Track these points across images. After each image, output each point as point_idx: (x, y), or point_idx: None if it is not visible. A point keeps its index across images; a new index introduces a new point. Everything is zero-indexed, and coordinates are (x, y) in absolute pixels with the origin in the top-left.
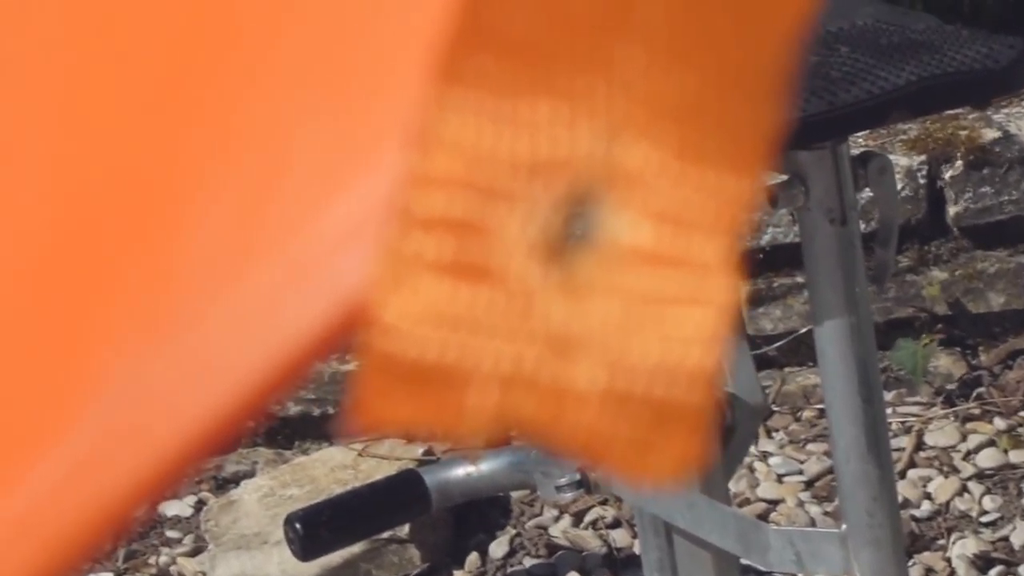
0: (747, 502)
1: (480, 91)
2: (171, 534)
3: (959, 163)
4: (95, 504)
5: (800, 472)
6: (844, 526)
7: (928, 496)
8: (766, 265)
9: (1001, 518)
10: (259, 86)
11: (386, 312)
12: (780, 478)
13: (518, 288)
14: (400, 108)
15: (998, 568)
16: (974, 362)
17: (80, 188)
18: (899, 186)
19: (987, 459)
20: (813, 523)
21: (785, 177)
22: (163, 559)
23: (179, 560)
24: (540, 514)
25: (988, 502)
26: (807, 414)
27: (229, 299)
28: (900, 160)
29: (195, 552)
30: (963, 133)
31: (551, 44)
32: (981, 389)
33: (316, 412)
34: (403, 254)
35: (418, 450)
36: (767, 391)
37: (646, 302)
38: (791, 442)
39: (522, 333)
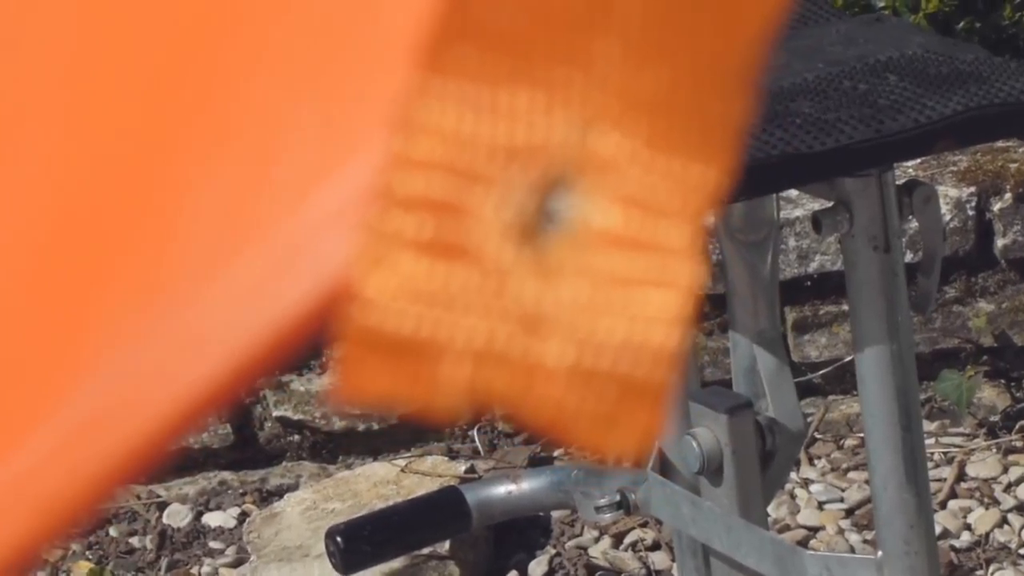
0: (787, 528)
1: (462, 80)
2: (214, 544)
3: (1008, 195)
4: (87, 471)
5: (841, 500)
6: (880, 553)
7: (968, 527)
8: (813, 292)
9: None
10: (254, 76)
11: (367, 287)
12: (821, 505)
13: (492, 267)
14: (386, 95)
15: None
16: (1018, 395)
17: (83, 171)
18: (948, 217)
19: None
20: (853, 551)
21: (830, 203)
22: (205, 569)
23: (221, 571)
24: (580, 535)
25: None
26: (850, 442)
27: (223, 277)
28: (949, 191)
29: (237, 563)
30: (1013, 166)
31: (532, 36)
32: None
33: (361, 427)
34: (384, 232)
35: (460, 467)
36: (810, 418)
37: (614, 283)
38: (833, 470)
39: (495, 310)
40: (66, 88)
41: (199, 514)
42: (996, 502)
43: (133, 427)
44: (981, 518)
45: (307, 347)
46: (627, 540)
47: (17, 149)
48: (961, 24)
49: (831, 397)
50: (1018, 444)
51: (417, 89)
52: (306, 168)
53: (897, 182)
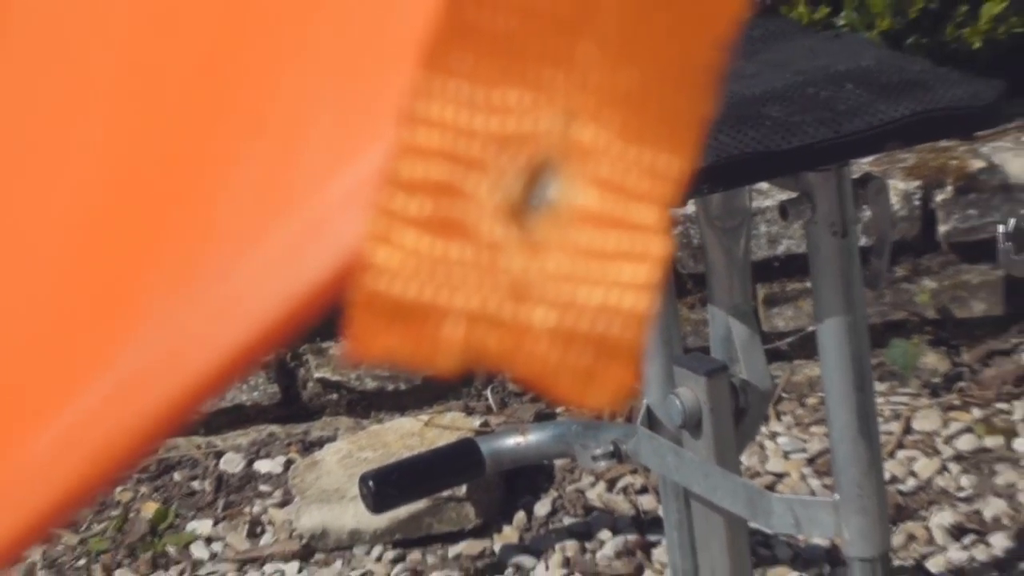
0: (757, 475)
1: (460, 79)
2: (263, 488)
3: (949, 188)
4: (133, 422)
5: (803, 450)
6: (837, 496)
7: (913, 474)
8: (781, 272)
9: (975, 494)
10: (282, 76)
11: (376, 259)
12: (786, 455)
13: (486, 242)
14: (394, 93)
15: (970, 536)
16: (957, 360)
17: (133, 154)
18: (896, 207)
19: (965, 443)
20: (813, 494)
21: (796, 195)
22: (256, 509)
23: (270, 511)
24: (579, 480)
25: (964, 480)
26: (811, 401)
27: (255, 250)
28: (898, 184)
29: (283, 504)
30: (954, 163)
31: (522, 42)
32: (962, 383)
33: (390, 387)
34: (391, 211)
35: (476, 422)
36: (777, 380)
37: (592, 256)
38: (796, 424)
39: (488, 280)
40: (119, 78)
41: (251, 461)
42: (937, 452)
43: (176, 383)
44: (924, 466)
45: (327, 312)
46: (619, 485)
47: (77, 126)
48: (910, 40)
49: (796, 362)
50: (956, 402)
51: (421, 87)
52: (327, 155)
53: (853, 176)
